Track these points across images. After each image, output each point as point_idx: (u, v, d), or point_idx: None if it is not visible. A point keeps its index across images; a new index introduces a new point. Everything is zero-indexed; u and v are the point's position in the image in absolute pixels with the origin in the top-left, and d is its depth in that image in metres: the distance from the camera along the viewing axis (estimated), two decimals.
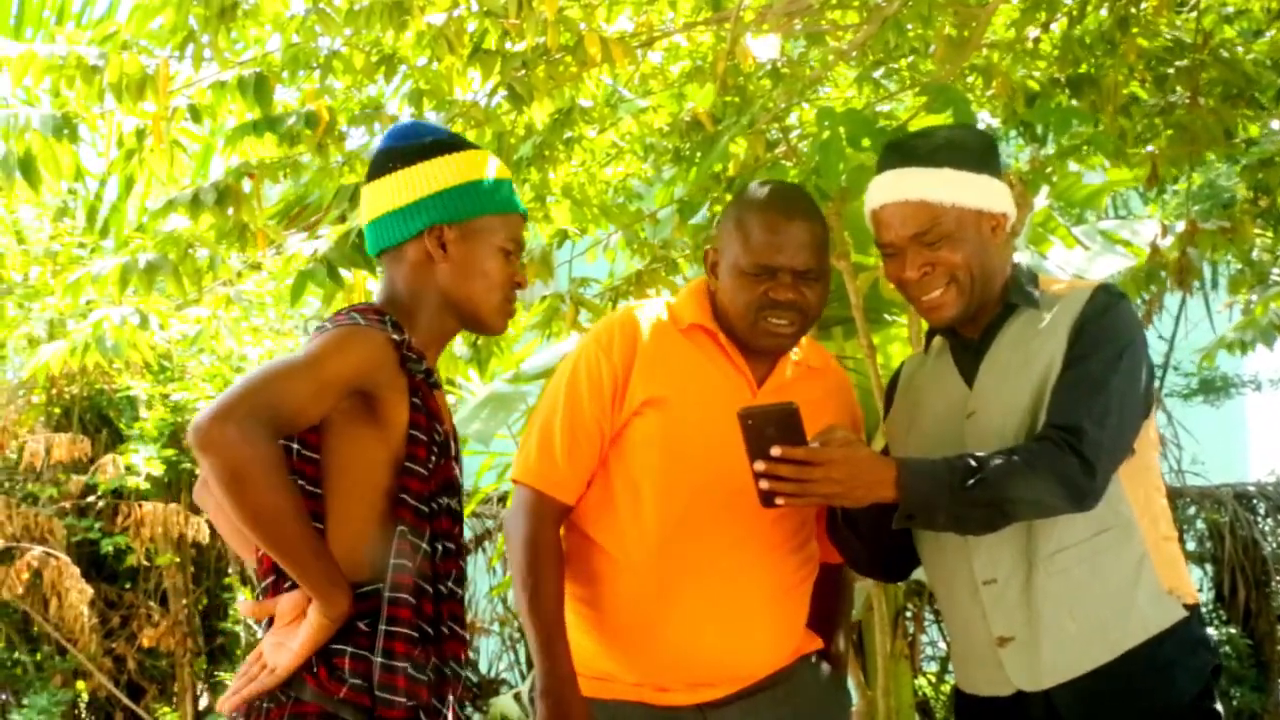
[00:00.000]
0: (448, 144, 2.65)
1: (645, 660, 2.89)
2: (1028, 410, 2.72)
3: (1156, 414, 2.94)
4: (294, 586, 2.44)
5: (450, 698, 2.51)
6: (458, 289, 2.61)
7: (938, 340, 2.96)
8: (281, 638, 2.42)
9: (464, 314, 2.64)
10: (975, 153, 2.81)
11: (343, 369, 2.41)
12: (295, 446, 2.43)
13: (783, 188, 3.12)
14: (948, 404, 2.86)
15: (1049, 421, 2.66)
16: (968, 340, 2.86)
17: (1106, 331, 2.70)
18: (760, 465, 2.53)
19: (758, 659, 2.93)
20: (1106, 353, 2.68)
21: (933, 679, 6.52)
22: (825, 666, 3.08)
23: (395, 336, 2.48)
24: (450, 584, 2.54)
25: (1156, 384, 4.70)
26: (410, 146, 2.64)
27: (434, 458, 2.51)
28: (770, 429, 2.53)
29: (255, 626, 7.22)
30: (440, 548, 2.51)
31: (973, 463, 2.58)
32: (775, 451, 2.52)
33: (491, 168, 2.67)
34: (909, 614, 5.13)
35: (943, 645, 6.45)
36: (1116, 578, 2.69)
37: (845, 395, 3.13)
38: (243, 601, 2.62)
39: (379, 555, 2.44)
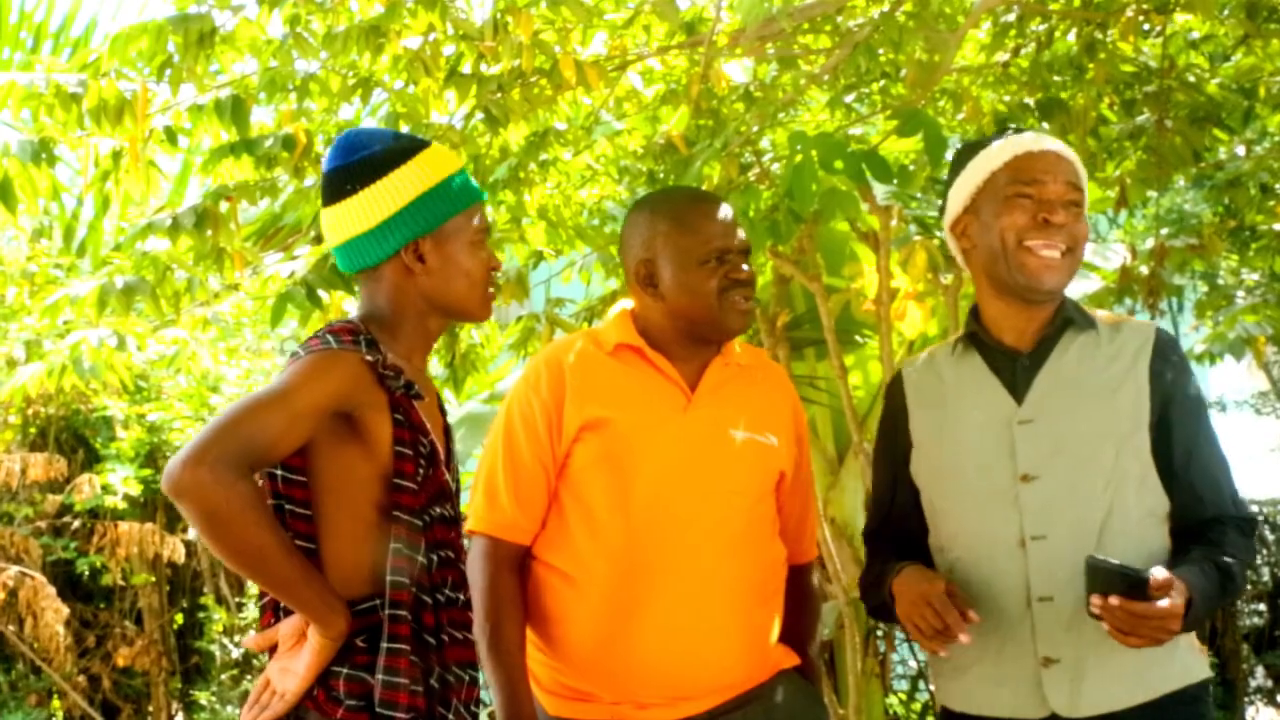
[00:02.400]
0: (399, 151, 2.59)
1: (621, 678, 2.91)
2: (1106, 435, 2.73)
3: None
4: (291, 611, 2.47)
5: (455, 701, 2.51)
6: (443, 294, 2.61)
7: (959, 349, 2.92)
8: (286, 662, 2.44)
9: (451, 314, 2.66)
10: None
11: (317, 397, 2.40)
12: (280, 473, 2.45)
13: (687, 186, 3.27)
14: (989, 413, 2.83)
15: (1219, 509, 2.73)
16: (1009, 349, 2.85)
17: (1197, 397, 2.78)
18: (1096, 602, 2.51)
19: (731, 667, 2.95)
20: (1207, 424, 2.79)
21: (904, 697, 6.52)
22: (804, 682, 3.10)
23: (369, 357, 2.47)
24: (448, 590, 2.55)
25: None
26: (363, 162, 2.57)
27: (422, 470, 2.52)
28: (1116, 586, 2.50)
29: (230, 645, 7.22)
30: (436, 557, 2.53)
31: (1217, 569, 2.61)
32: (1114, 601, 2.48)
33: (444, 161, 2.63)
34: (880, 633, 5.14)
35: (913, 664, 6.45)
36: None
37: (786, 389, 3.21)
38: (249, 637, 2.63)
39: (375, 569, 2.46)
